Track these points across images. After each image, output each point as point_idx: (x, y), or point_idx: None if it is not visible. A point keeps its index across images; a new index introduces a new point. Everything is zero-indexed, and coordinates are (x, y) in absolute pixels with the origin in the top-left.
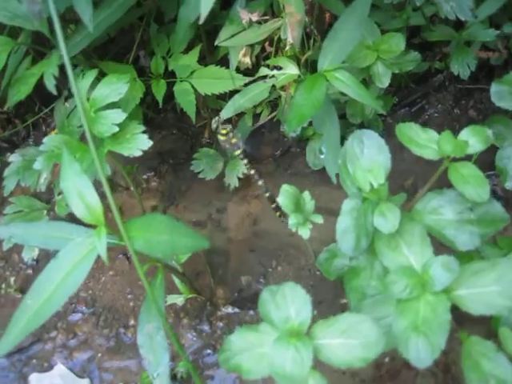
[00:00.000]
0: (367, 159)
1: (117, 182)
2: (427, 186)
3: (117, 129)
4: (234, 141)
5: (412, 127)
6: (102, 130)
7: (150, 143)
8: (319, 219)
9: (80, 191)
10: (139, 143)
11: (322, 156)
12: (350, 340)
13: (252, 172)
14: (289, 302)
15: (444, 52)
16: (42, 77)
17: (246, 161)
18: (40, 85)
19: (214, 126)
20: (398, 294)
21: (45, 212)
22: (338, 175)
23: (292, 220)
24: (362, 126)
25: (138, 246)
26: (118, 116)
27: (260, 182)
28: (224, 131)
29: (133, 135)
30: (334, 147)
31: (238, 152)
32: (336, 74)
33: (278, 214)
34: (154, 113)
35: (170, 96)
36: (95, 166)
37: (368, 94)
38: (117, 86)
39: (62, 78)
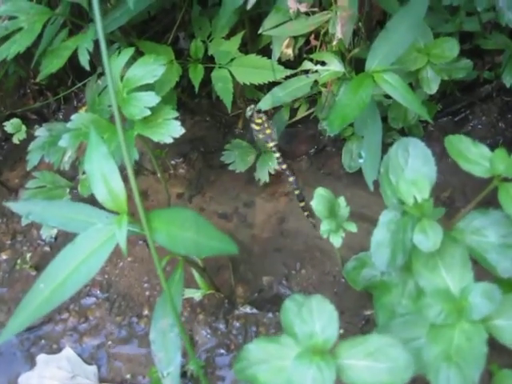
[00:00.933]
0: (411, 170)
1: (143, 165)
2: (472, 204)
3: (149, 112)
4: (268, 132)
5: (462, 140)
6: (133, 112)
7: (183, 131)
8: (353, 227)
9: (104, 175)
10: (171, 129)
11: (361, 160)
12: (376, 363)
13: (284, 167)
14: (315, 317)
15: (496, 62)
16: (76, 51)
17: (278, 154)
18: (74, 58)
19: (248, 113)
20: (432, 318)
21: (67, 190)
22: (375, 182)
23: (324, 226)
24: (402, 131)
25: (159, 240)
26: (152, 99)
27: (291, 179)
28: (259, 120)
29: (165, 120)
30: (374, 153)
31: (271, 144)
32: (385, 75)
33: (306, 213)
34: (188, 97)
35: (206, 81)
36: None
37: (416, 100)
38: (153, 68)
39: (97, 54)
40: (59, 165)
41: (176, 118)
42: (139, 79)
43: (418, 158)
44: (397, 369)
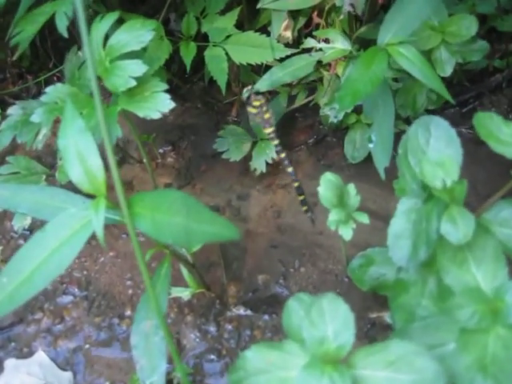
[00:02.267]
0: (435, 151)
1: (129, 152)
2: (500, 192)
3: (134, 83)
4: (266, 116)
5: (493, 118)
6: (116, 82)
7: (172, 105)
8: (364, 218)
9: (80, 152)
10: (159, 103)
11: (371, 145)
12: (398, 374)
13: (282, 155)
14: (327, 319)
15: (509, 49)
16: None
17: (277, 141)
18: (58, 40)
19: (245, 95)
20: (463, 321)
21: (44, 177)
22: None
23: (333, 216)
24: (407, 120)
25: (143, 227)
26: (138, 68)
27: (289, 169)
28: (256, 103)
29: (152, 93)
30: (385, 136)
31: (269, 130)
32: (400, 48)
33: (304, 207)
34: (180, 82)
35: (198, 65)
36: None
37: (436, 76)
38: (139, 33)
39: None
40: (32, 145)
41: (165, 91)
42: (124, 46)
43: (441, 138)
44: (423, 381)
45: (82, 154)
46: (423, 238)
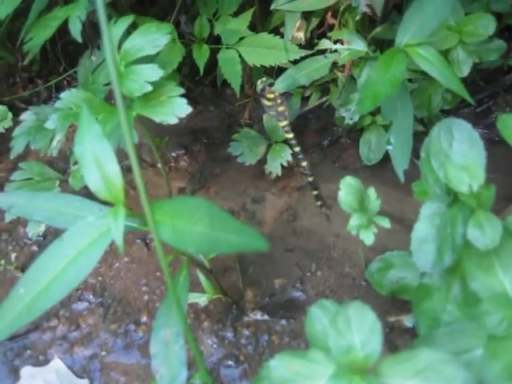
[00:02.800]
0: (459, 155)
1: (142, 156)
2: None
3: (150, 88)
4: (281, 109)
5: None
6: (132, 87)
7: (189, 109)
8: (386, 222)
9: (98, 158)
10: (175, 108)
11: (389, 147)
12: (427, 383)
13: (297, 149)
14: (353, 328)
15: None
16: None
17: (292, 135)
18: (68, 44)
19: (259, 87)
20: (491, 328)
21: (57, 183)
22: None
23: (354, 221)
24: (422, 122)
25: (163, 236)
26: (153, 72)
27: (304, 163)
28: (271, 95)
29: (168, 98)
30: (404, 138)
31: (284, 123)
32: (419, 49)
33: (319, 203)
34: (191, 84)
35: (210, 68)
36: (119, 132)
37: (456, 77)
38: (155, 37)
39: (90, 31)
40: (46, 151)
41: (182, 96)
42: (139, 50)
43: (464, 141)
44: None
45: (100, 160)
46: (448, 244)
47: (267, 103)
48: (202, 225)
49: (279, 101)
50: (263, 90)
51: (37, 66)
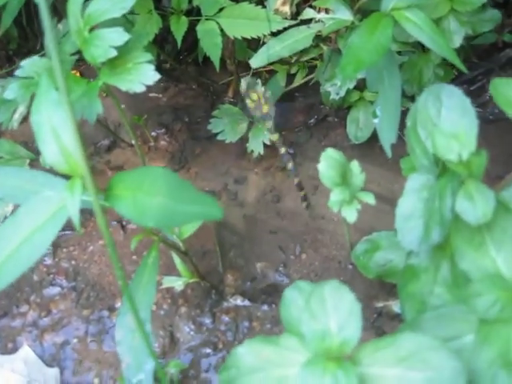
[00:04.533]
0: (448, 122)
1: (120, 136)
2: None
3: (114, 52)
4: (265, 109)
5: (511, 85)
6: (95, 53)
7: (157, 76)
8: (370, 198)
9: (55, 128)
10: (142, 75)
11: (376, 120)
12: (412, 372)
13: (283, 150)
14: (329, 311)
15: None
16: None
17: (277, 135)
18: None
19: (243, 87)
20: (482, 311)
21: (27, 161)
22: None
23: (335, 196)
24: (412, 99)
25: (124, 210)
26: (118, 36)
27: (290, 165)
28: (254, 96)
29: (135, 65)
30: (392, 110)
31: (268, 124)
32: (407, 13)
33: (304, 204)
34: (173, 62)
35: (192, 46)
36: (84, 103)
37: (447, 44)
38: None
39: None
40: (8, 125)
41: (150, 62)
42: (104, 12)
43: (454, 108)
44: (439, 379)
45: (57, 130)
46: (436, 218)
47: (251, 104)
48: (161, 196)
49: (263, 100)
50: (247, 90)
51: (14, 43)
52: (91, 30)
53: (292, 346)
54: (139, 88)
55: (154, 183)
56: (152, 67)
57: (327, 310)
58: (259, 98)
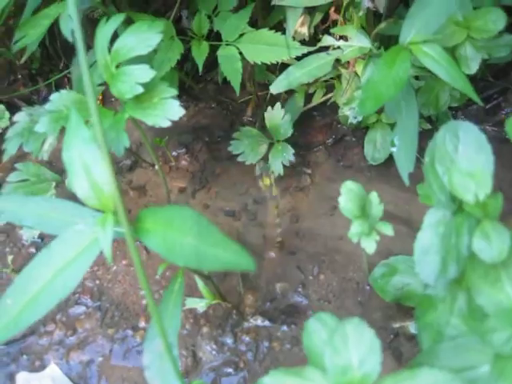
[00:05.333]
0: (465, 160)
1: (142, 156)
2: None
3: (141, 89)
4: (274, 193)
5: None
6: (122, 89)
7: (182, 112)
8: (388, 230)
9: (86, 165)
10: (168, 111)
11: (394, 149)
12: None
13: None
14: (351, 346)
15: None
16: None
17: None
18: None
19: (257, 172)
20: (497, 346)
21: (53, 184)
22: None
23: (355, 228)
24: (429, 119)
25: (153, 245)
26: (145, 73)
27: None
28: (266, 181)
29: (161, 100)
30: (409, 140)
31: (274, 205)
32: (424, 47)
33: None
34: (193, 82)
35: (211, 64)
36: (112, 136)
37: (463, 76)
38: (147, 36)
39: (88, 29)
40: (38, 154)
41: (174, 97)
42: (130, 50)
43: (471, 144)
44: None
45: (88, 166)
46: (453, 255)
47: (263, 187)
48: (191, 237)
49: (273, 186)
50: (260, 174)
51: (37, 63)
52: (118, 65)
53: (315, 378)
54: (165, 123)
55: (185, 223)
56: (177, 103)
57: (349, 346)
58: (271, 183)
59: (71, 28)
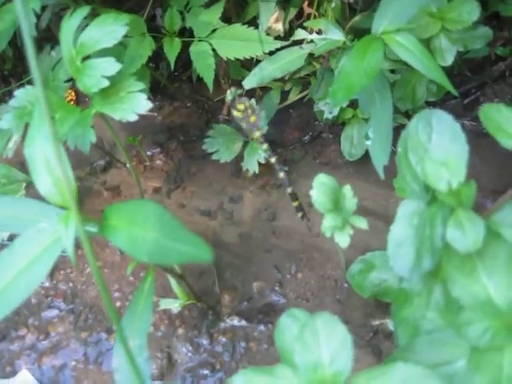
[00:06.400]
0: (438, 148)
1: (116, 156)
2: (511, 191)
3: (106, 83)
4: (252, 119)
5: (502, 111)
6: (88, 83)
7: (150, 105)
8: (363, 223)
9: (48, 161)
10: (135, 104)
11: (368, 142)
12: None
13: (273, 160)
14: (322, 342)
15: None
16: None
17: (266, 145)
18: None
19: (228, 98)
20: (473, 339)
21: (23, 185)
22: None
23: (328, 222)
24: (406, 114)
25: (119, 242)
26: (110, 66)
27: (281, 175)
28: (241, 106)
29: (128, 94)
30: (384, 133)
31: (257, 134)
32: (397, 37)
33: (299, 214)
34: (167, 81)
35: (186, 63)
36: (78, 132)
37: (437, 66)
38: (112, 29)
39: (56, 25)
40: (2, 153)
41: (142, 91)
42: (96, 42)
43: (445, 133)
44: None
45: (50, 162)
46: (427, 246)
47: (238, 115)
48: (154, 231)
49: (250, 111)
50: (233, 100)
51: (9, 63)
52: (84, 59)
53: (286, 376)
54: (132, 117)
55: (148, 218)
56: (144, 96)
57: (320, 342)
58: (246, 108)
59: (34, 22)
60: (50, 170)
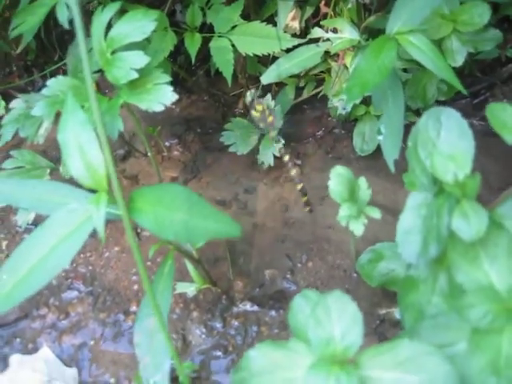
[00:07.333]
0: (446, 144)
1: (135, 146)
2: None
3: (135, 75)
4: (270, 120)
5: (507, 109)
6: (117, 75)
7: (175, 97)
8: (376, 213)
9: (81, 146)
10: (161, 96)
11: (380, 137)
12: (407, 375)
13: (286, 158)
14: (333, 319)
15: None
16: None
17: (281, 144)
18: (63, 32)
19: (248, 98)
20: (474, 321)
21: (48, 171)
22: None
23: (344, 211)
24: (417, 112)
25: (145, 223)
26: (139, 59)
27: (293, 172)
28: (259, 107)
29: (155, 85)
30: (395, 128)
31: (273, 134)
32: (411, 37)
33: (307, 209)
34: (186, 75)
35: (204, 58)
36: (106, 120)
37: (448, 67)
38: (141, 24)
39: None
40: (33, 139)
41: (168, 83)
42: (125, 37)
43: (453, 130)
44: (433, 382)
45: (83, 147)
46: (434, 234)
47: (256, 115)
48: (181, 212)
49: (267, 112)
50: (252, 101)
51: (32, 54)
52: (113, 52)
53: (299, 350)
54: (158, 107)
55: (174, 199)
56: (170, 88)
57: (331, 318)
58: (264, 109)
59: (67, 16)
60: (83, 155)
